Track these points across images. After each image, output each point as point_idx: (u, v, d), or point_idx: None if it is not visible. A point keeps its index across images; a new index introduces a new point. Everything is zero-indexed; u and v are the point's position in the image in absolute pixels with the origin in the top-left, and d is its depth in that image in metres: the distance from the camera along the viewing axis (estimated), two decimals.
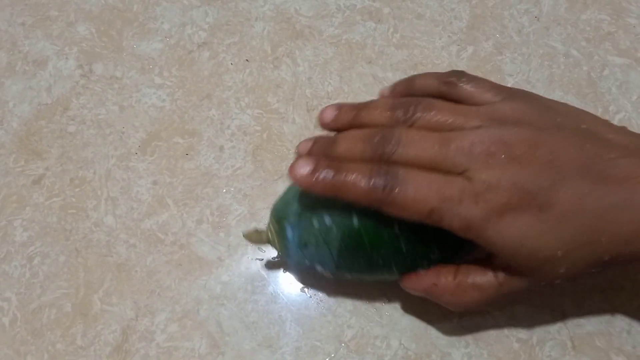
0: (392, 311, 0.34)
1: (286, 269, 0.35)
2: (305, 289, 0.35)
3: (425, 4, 0.43)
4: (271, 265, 0.35)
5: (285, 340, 0.34)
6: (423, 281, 0.30)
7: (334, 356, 0.33)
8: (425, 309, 0.34)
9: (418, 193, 0.26)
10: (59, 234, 0.37)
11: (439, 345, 0.33)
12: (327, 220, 0.29)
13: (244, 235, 0.32)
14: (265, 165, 0.38)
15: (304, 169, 0.27)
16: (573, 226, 0.25)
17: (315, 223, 0.29)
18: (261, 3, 0.44)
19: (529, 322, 0.34)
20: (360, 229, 0.29)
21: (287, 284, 0.35)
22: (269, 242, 0.32)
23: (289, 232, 0.30)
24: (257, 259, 0.36)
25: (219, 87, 0.41)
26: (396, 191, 0.26)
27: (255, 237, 0.32)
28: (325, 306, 0.35)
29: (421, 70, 0.41)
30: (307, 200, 0.30)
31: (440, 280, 0.29)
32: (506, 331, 0.34)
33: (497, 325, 0.34)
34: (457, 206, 0.25)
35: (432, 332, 0.34)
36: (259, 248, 0.36)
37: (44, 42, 0.43)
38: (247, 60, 0.42)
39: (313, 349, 0.33)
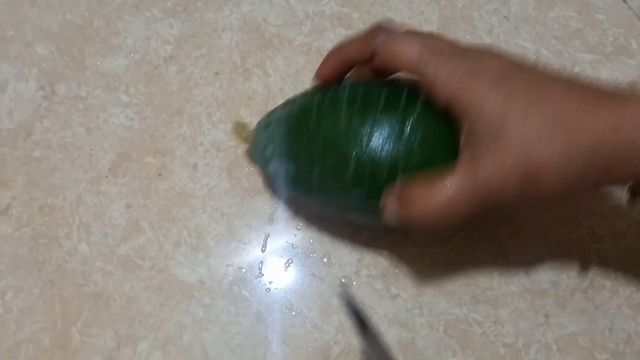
0: (377, 324, 0.34)
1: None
2: (290, 307, 0.35)
3: (395, 8, 0.43)
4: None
5: None
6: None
7: None
8: (411, 321, 0.34)
9: (407, 44, 0.29)
10: (32, 266, 0.35)
11: (427, 355, 0.33)
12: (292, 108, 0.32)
13: (232, 125, 0.36)
14: (242, 182, 0.38)
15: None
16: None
17: (285, 111, 0.32)
18: (227, 12, 0.43)
19: (514, 326, 0.34)
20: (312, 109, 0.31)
21: (272, 303, 0.35)
22: (247, 137, 0.35)
23: (262, 121, 0.33)
24: (239, 279, 0.35)
25: (189, 103, 0.40)
26: (389, 41, 0.29)
27: (239, 128, 0.35)
28: (311, 323, 0.34)
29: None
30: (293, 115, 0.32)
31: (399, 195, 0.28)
32: (492, 337, 0.34)
33: (483, 331, 0.34)
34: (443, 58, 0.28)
35: (419, 343, 0.34)
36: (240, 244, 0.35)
37: (1, 64, 0.41)
38: (216, 73, 0.41)
39: None
